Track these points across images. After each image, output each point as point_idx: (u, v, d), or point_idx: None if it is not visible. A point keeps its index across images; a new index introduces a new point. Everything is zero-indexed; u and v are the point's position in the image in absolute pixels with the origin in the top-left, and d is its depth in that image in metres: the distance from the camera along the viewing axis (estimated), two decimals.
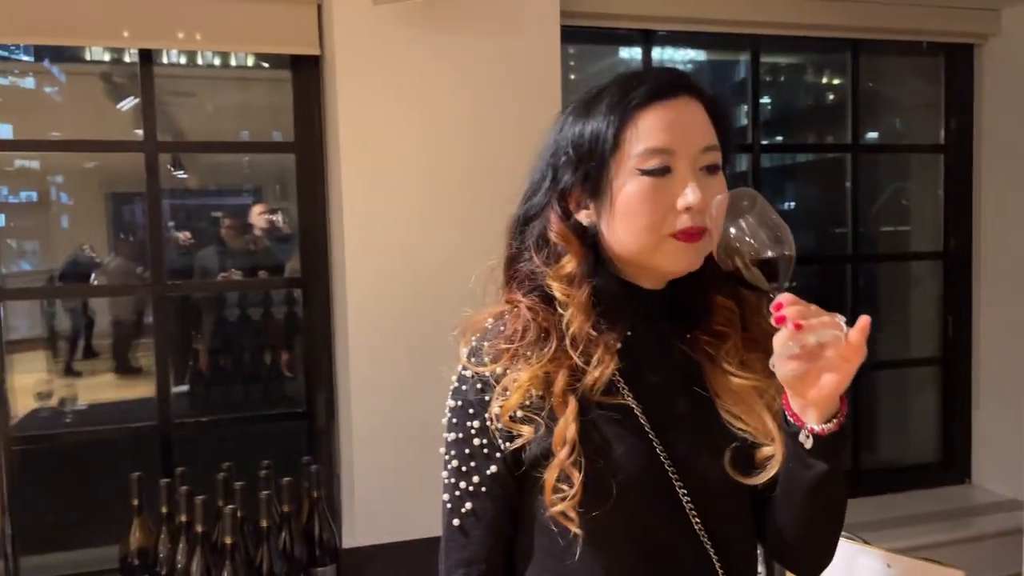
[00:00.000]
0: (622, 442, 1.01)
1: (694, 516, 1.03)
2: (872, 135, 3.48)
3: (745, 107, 3.12)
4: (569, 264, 1.06)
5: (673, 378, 1.08)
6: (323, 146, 2.43)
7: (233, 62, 3.56)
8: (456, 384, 1.08)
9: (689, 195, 1.00)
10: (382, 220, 2.28)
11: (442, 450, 1.08)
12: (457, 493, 1.05)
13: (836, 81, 3.58)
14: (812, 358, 0.90)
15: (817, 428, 0.94)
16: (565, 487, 0.98)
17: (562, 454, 0.98)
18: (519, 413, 1.01)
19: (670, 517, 1.03)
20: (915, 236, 3.54)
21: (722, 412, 1.06)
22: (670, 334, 1.10)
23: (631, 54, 3.04)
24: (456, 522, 1.06)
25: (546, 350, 1.03)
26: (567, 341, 1.03)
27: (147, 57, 2.32)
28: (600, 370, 1.02)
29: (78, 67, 4.55)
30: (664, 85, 1.03)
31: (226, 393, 3.65)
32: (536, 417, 1.01)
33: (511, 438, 1.02)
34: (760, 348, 1.08)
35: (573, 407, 1.00)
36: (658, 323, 1.09)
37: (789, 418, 0.97)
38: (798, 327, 0.89)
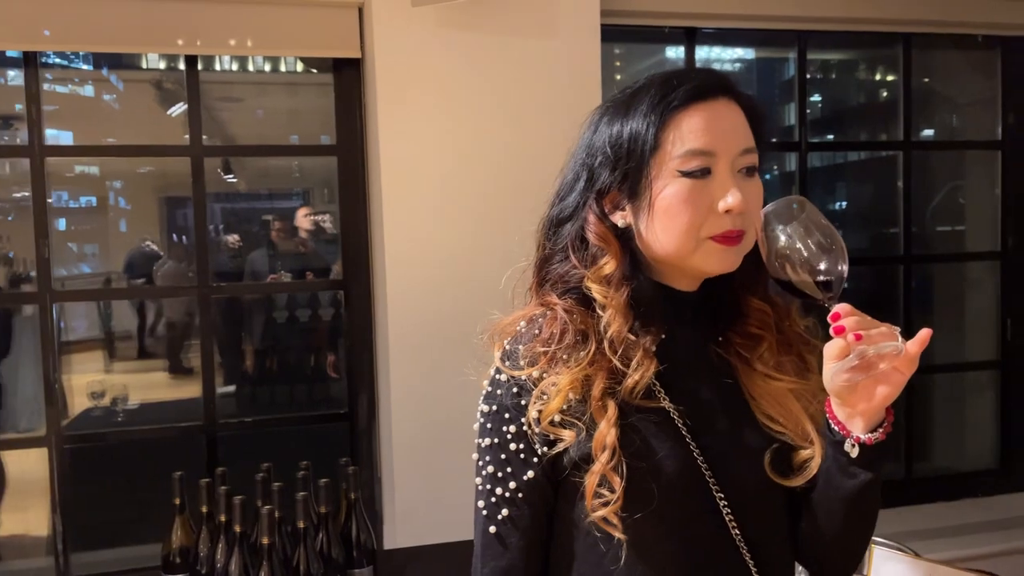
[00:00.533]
0: (662, 445, 1.00)
1: (730, 520, 1.01)
2: (927, 132, 3.39)
3: (793, 105, 3.06)
4: (608, 265, 1.05)
5: (708, 381, 1.07)
6: (364, 149, 2.44)
7: (283, 67, 3.62)
8: (489, 388, 1.06)
9: (730, 198, 0.99)
10: (422, 222, 2.28)
11: (475, 455, 1.07)
12: (493, 500, 1.04)
13: (889, 77, 3.49)
14: (867, 369, 0.90)
15: (863, 437, 0.94)
16: (606, 492, 0.97)
17: (603, 459, 0.97)
18: (558, 418, 1.00)
19: (707, 521, 1.01)
20: (971, 236, 3.43)
21: (758, 414, 1.05)
22: (704, 336, 1.09)
23: (677, 53, 3.00)
24: (492, 529, 1.04)
25: (584, 353, 1.01)
26: (605, 344, 1.02)
27: (193, 63, 2.36)
28: (640, 373, 1.01)
29: (134, 74, 4.67)
30: (705, 86, 1.02)
31: (272, 394, 3.70)
32: (576, 421, 0.99)
33: (550, 443, 1.01)
34: (793, 351, 1.09)
35: (613, 411, 0.99)
36: (693, 325, 1.09)
37: (834, 426, 0.96)
38: (858, 338, 0.89)
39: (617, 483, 0.96)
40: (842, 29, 2.87)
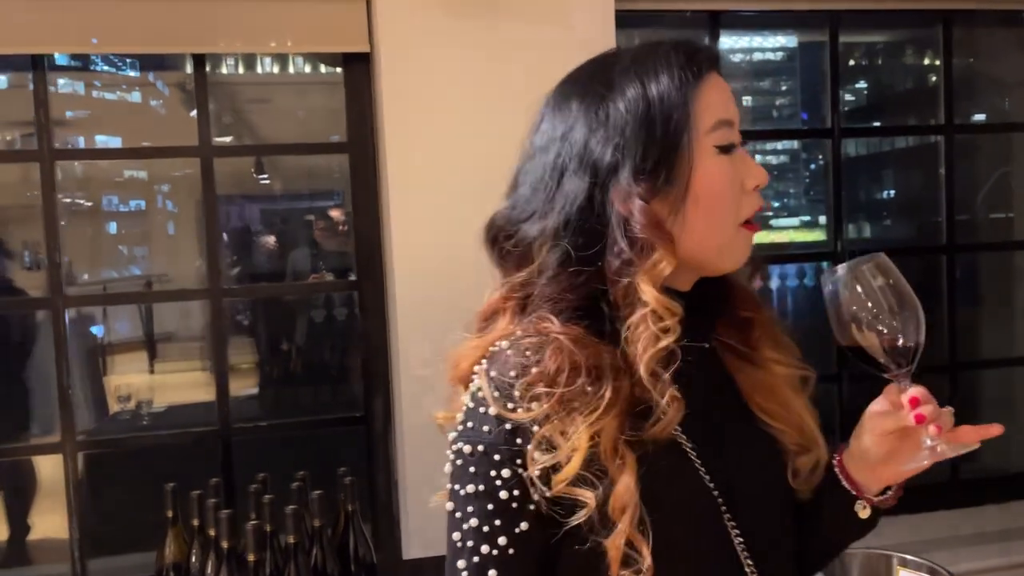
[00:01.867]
0: (679, 486, 0.88)
1: (741, 545, 0.90)
2: (979, 117, 3.23)
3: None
4: (665, 263, 0.86)
5: (709, 392, 0.95)
6: (375, 145, 2.39)
7: (323, 69, 3.60)
8: (469, 425, 0.88)
9: (756, 171, 0.91)
10: (430, 219, 2.21)
11: (449, 505, 0.89)
12: (477, 559, 0.85)
13: (928, 60, 3.33)
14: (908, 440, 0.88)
15: (876, 500, 0.92)
16: (636, 556, 0.82)
17: (626, 520, 0.81)
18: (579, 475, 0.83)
19: (720, 551, 0.90)
20: (1020, 224, 3.25)
21: (756, 413, 0.96)
22: (697, 337, 0.94)
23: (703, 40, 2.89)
24: None
25: (601, 397, 0.83)
26: (635, 377, 0.85)
27: (201, 63, 2.34)
28: (672, 412, 0.85)
29: (176, 76, 4.72)
30: (711, 55, 0.94)
31: (295, 395, 3.70)
32: (594, 478, 0.82)
33: (565, 507, 0.83)
34: (781, 339, 1.01)
35: (632, 462, 0.83)
36: (691, 331, 0.92)
37: (844, 483, 0.93)
38: (939, 429, 0.84)
39: (645, 547, 0.81)
40: (876, 8, 2.73)
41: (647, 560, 0.81)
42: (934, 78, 3.40)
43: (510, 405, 0.85)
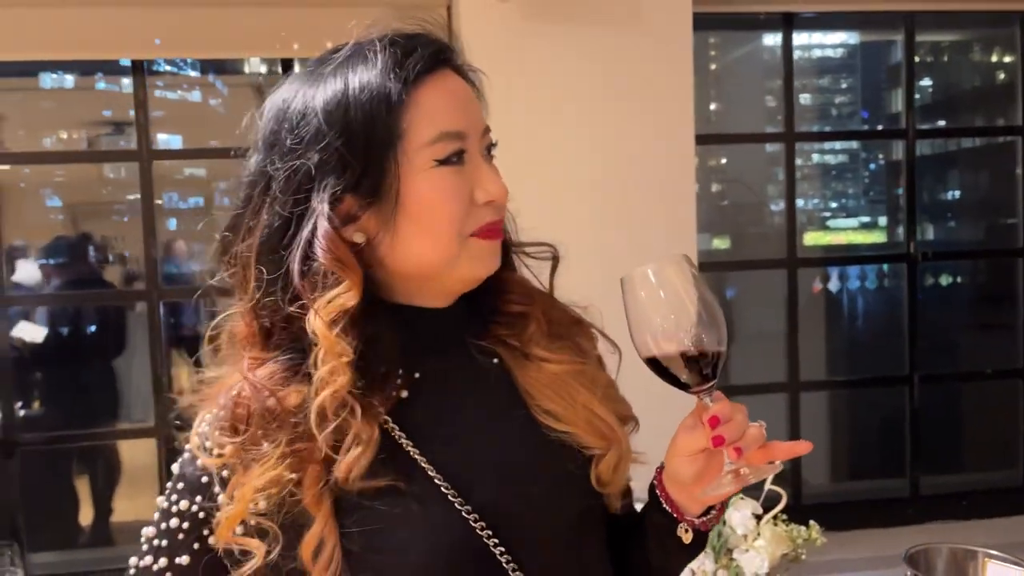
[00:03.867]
0: (404, 523, 0.77)
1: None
2: None
3: (900, 91, 2.92)
4: (347, 296, 0.77)
5: (476, 403, 0.85)
6: None
7: None
8: (186, 454, 0.83)
9: (491, 186, 0.82)
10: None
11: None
12: (138, 562, 0.82)
13: (1005, 58, 3.29)
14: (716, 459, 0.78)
15: (697, 522, 0.82)
16: None
17: (316, 569, 0.75)
18: (251, 522, 0.77)
19: None
20: None
21: (538, 414, 0.84)
22: (463, 345, 0.86)
23: (774, 40, 2.90)
24: None
25: (274, 445, 0.77)
26: (310, 421, 0.76)
27: (289, 66, 2.43)
28: (357, 453, 0.76)
29: (237, 79, 4.84)
30: (437, 53, 0.82)
31: None
32: (272, 526, 0.76)
33: (234, 558, 0.78)
34: (567, 338, 0.89)
35: (327, 505, 0.76)
36: (451, 346, 0.86)
37: (664, 505, 0.82)
38: (738, 452, 0.75)
39: None
40: (952, 9, 2.72)
41: None
42: (1002, 76, 3.36)
43: (204, 452, 0.81)
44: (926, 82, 3.69)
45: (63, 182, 5.04)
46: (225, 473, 0.79)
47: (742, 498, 1.58)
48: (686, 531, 0.81)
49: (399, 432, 0.81)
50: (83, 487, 3.24)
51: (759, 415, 0.81)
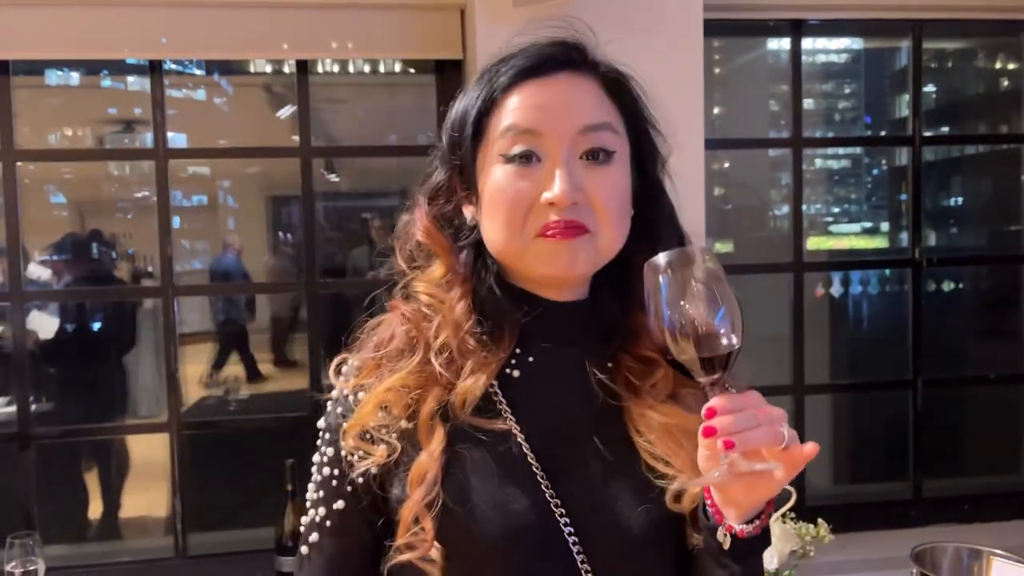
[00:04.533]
0: (495, 484, 0.84)
1: (583, 563, 0.84)
2: None
3: (906, 97, 2.95)
4: (436, 268, 0.92)
5: (582, 410, 0.89)
6: None
7: (381, 68, 3.70)
8: (328, 406, 0.94)
9: (555, 188, 0.83)
10: None
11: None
12: (306, 520, 0.93)
13: (1009, 66, 3.32)
14: (737, 478, 0.76)
15: (736, 528, 0.79)
16: (420, 532, 0.82)
17: (416, 496, 0.82)
18: (371, 433, 0.86)
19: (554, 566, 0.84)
20: None
21: (644, 454, 0.87)
22: (585, 357, 0.90)
23: (781, 45, 2.93)
24: (304, 550, 0.93)
25: (410, 360, 0.88)
26: (433, 353, 0.87)
27: (304, 67, 2.45)
28: (472, 381, 0.86)
29: (243, 79, 4.87)
30: (538, 61, 0.89)
31: None
32: (392, 440, 0.85)
33: (358, 461, 0.87)
34: (685, 395, 0.90)
35: (440, 436, 0.84)
36: (567, 342, 0.91)
37: (708, 508, 0.82)
38: (728, 445, 0.73)
39: (429, 527, 0.81)
40: (959, 18, 2.74)
41: (427, 542, 0.81)
42: (1006, 83, 3.38)
43: (343, 378, 0.92)
44: (929, 88, 3.71)
45: (69, 179, 5.06)
46: (360, 394, 0.88)
47: None
48: (724, 536, 0.80)
49: (503, 402, 0.88)
50: (92, 481, 3.26)
51: None
